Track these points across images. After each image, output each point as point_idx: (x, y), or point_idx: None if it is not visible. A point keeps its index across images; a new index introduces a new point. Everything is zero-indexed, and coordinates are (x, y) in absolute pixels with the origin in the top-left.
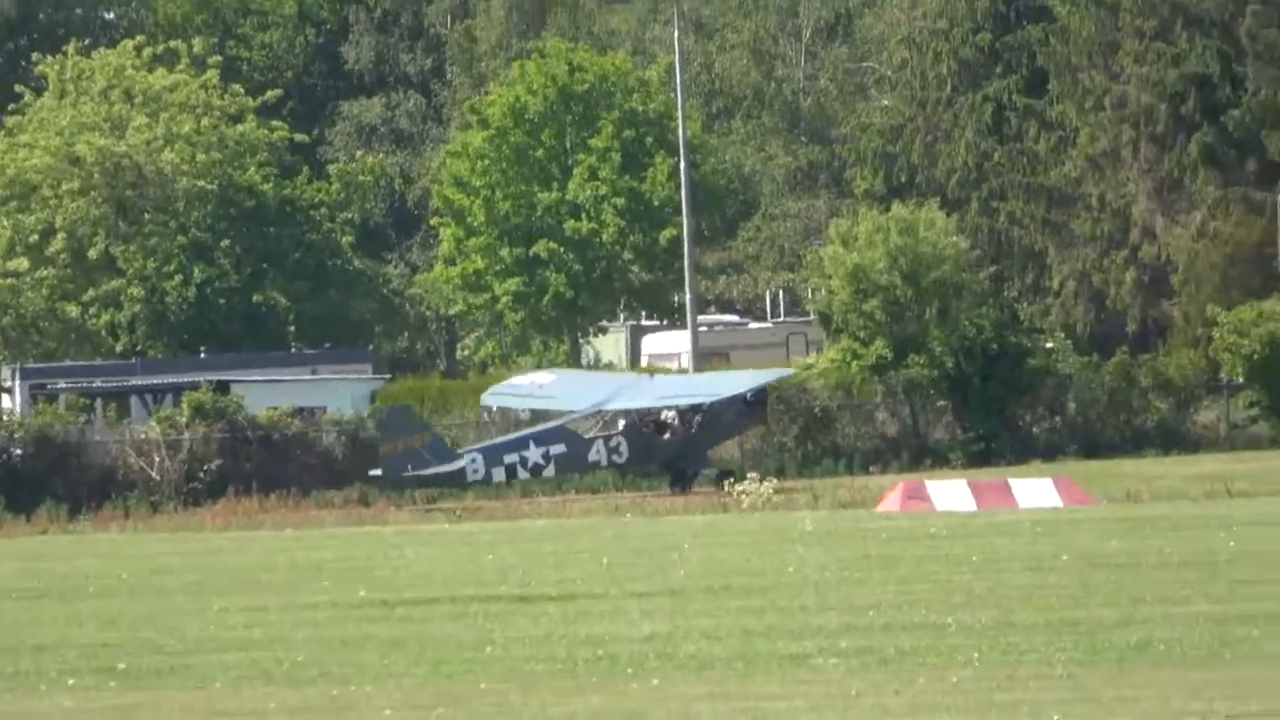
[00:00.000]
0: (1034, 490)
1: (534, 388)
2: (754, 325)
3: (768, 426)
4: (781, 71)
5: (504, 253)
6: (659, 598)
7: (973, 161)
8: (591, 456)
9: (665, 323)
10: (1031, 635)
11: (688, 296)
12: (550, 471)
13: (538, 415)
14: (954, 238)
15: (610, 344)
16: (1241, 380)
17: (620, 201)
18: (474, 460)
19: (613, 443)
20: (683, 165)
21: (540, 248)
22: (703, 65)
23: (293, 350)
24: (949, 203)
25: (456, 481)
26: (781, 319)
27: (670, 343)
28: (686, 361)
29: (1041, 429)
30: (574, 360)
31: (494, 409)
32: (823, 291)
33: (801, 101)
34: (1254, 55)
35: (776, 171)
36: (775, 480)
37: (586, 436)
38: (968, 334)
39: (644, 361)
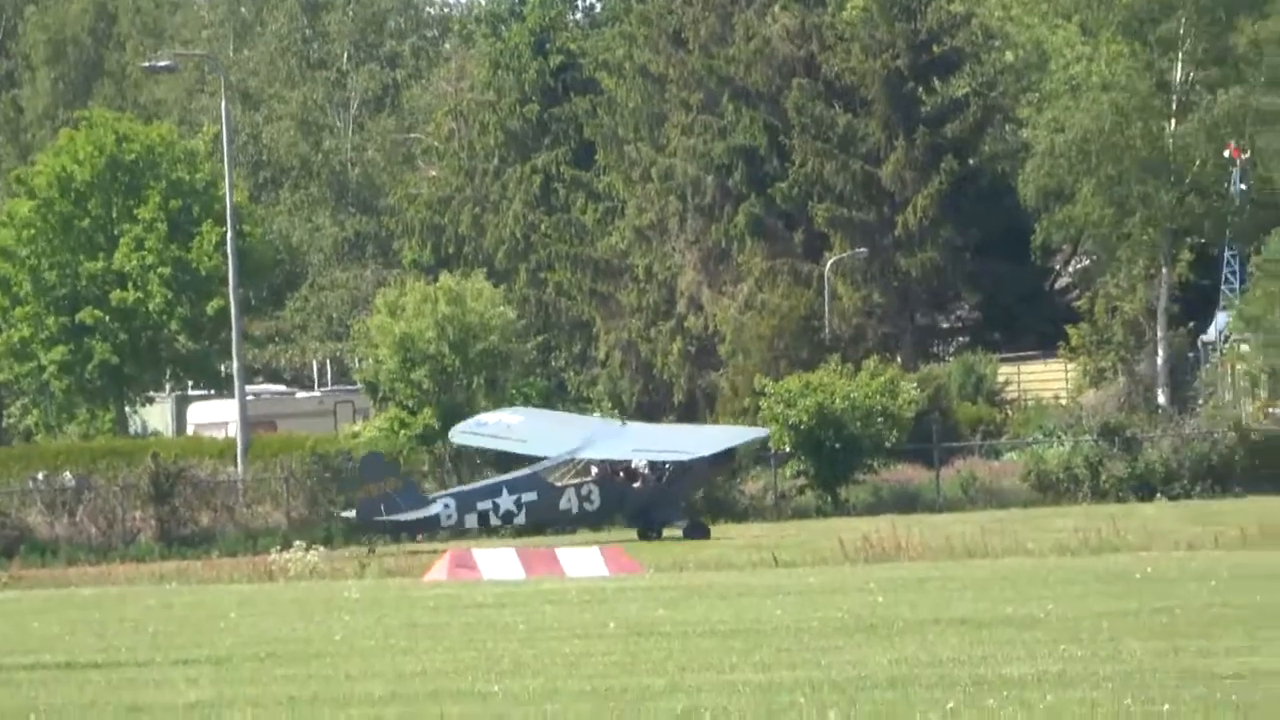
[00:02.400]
0: (581, 559)
1: (502, 428)
2: (301, 394)
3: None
4: (329, 142)
5: (50, 321)
6: (204, 665)
7: (520, 232)
8: (563, 505)
9: (213, 392)
10: (578, 703)
11: (235, 366)
12: (522, 519)
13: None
14: (502, 308)
15: (157, 413)
16: (788, 450)
17: (166, 271)
18: (447, 506)
19: (584, 490)
20: (230, 235)
21: (86, 316)
22: (250, 135)
23: None
24: (497, 273)
25: (430, 527)
26: (329, 388)
27: (217, 412)
28: (234, 431)
29: None
30: (121, 429)
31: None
32: (370, 361)
33: (349, 172)
34: (800, 128)
35: (324, 241)
36: (321, 549)
37: (558, 485)
38: (516, 403)
39: (190, 430)
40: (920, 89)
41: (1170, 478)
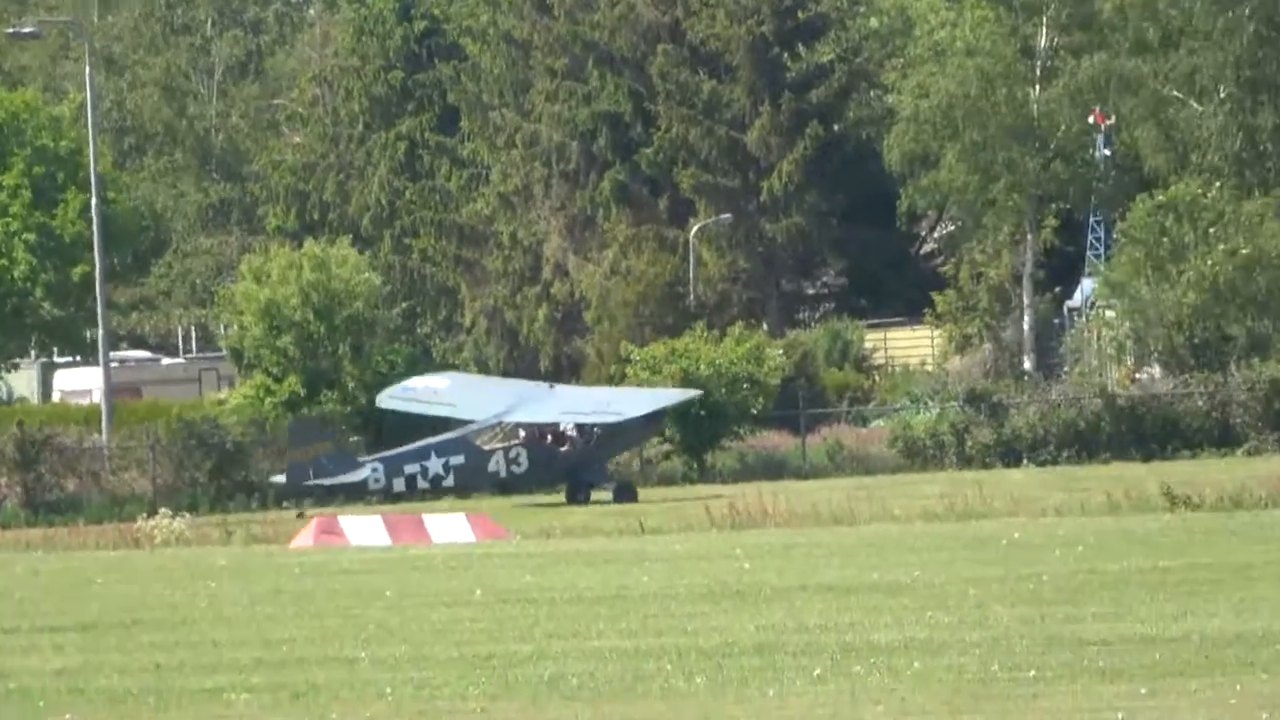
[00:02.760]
0: (448, 525)
1: (429, 393)
2: (166, 361)
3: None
4: (193, 109)
5: None
6: (71, 632)
7: (386, 199)
8: (491, 467)
9: (78, 359)
10: (445, 670)
11: (100, 332)
12: (450, 482)
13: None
14: (367, 274)
15: (23, 379)
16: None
17: (31, 238)
18: (375, 470)
19: (512, 454)
20: (94, 201)
21: None
22: (114, 101)
23: None
24: (362, 239)
25: (358, 491)
26: (194, 354)
27: (83, 379)
28: (99, 397)
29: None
30: None
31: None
32: (235, 327)
33: (214, 138)
34: (665, 94)
35: (189, 208)
36: (188, 516)
37: (486, 448)
38: (381, 370)
39: (56, 397)
40: (785, 55)
41: (1037, 444)
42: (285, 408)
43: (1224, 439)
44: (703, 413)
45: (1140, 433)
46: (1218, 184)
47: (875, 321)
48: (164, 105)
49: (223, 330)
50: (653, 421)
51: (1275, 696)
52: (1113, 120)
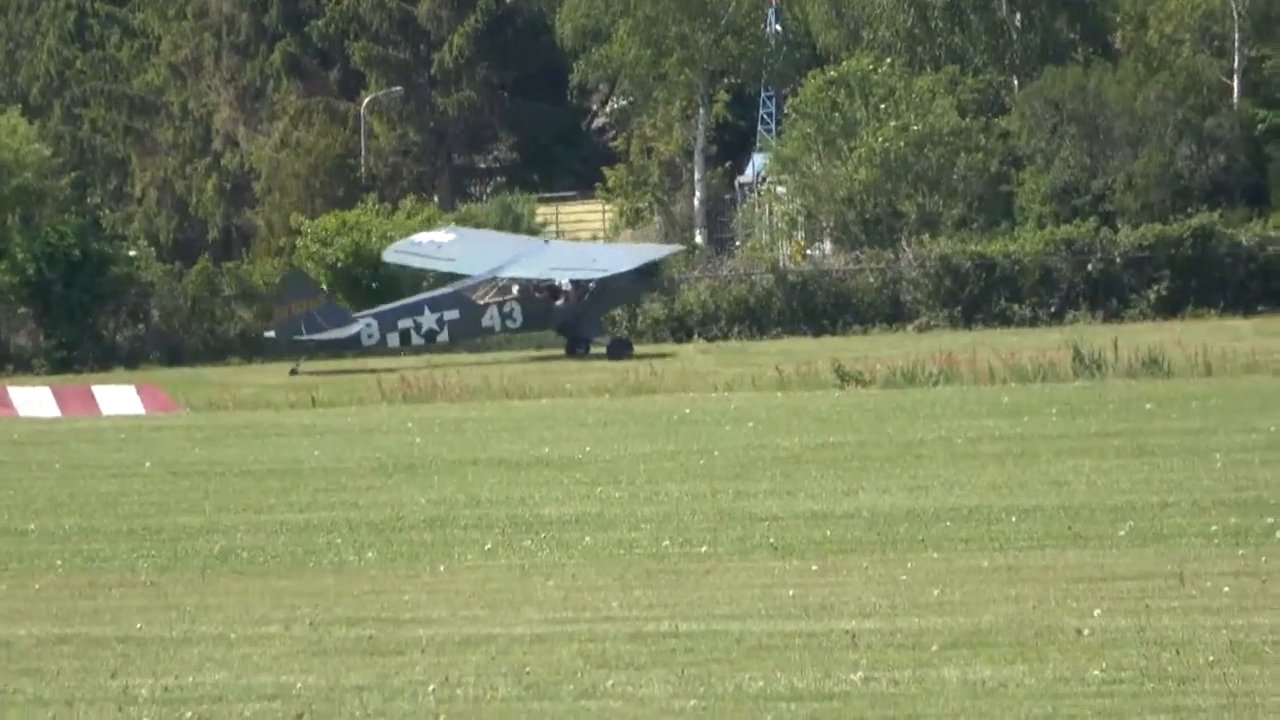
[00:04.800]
0: (118, 398)
1: (433, 247)
2: None
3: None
4: None
5: None
6: None
7: (55, 68)
8: (485, 322)
9: None
10: (115, 542)
11: None
12: (444, 337)
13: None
14: (36, 145)
15: None
16: (326, 288)
17: None
18: (369, 325)
19: (506, 308)
20: None
21: None
22: None
23: None
24: (31, 109)
25: (351, 346)
26: None
27: None
28: None
29: (125, 336)
30: None
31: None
32: None
33: None
34: None
35: None
36: None
37: (480, 303)
38: (50, 240)
39: None
40: None
41: (708, 319)
42: None
43: (895, 315)
44: (374, 285)
45: (812, 309)
46: (889, 60)
47: (546, 195)
48: None
49: None
50: (645, 276)
51: (945, 572)
52: None
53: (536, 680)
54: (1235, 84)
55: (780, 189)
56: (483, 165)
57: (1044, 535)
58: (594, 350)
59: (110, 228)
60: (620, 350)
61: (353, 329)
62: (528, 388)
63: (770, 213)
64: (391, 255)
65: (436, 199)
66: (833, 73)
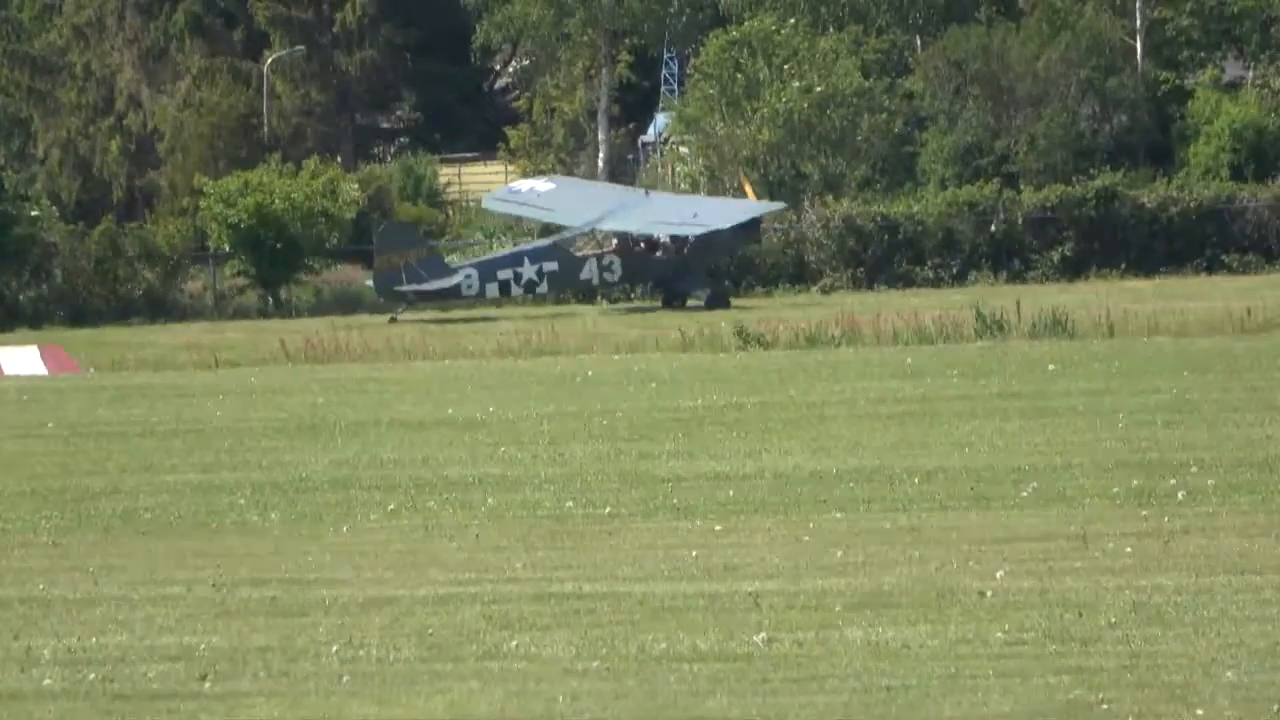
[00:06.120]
0: (20, 358)
1: (532, 195)
2: None
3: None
4: None
5: None
6: None
7: None
8: (584, 274)
9: None
10: (17, 504)
11: None
12: (544, 288)
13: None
14: None
15: None
16: (229, 250)
17: None
18: (469, 276)
19: (605, 261)
20: None
21: None
22: None
23: None
24: None
25: (452, 296)
26: None
27: None
28: None
29: (28, 297)
30: None
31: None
32: None
33: None
34: None
35: None
36: None
37: (579, 255)
38: None
39: None
40: None
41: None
42: None
43: (798, 276)
44: (278, 246)
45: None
46: (792, 20)
47: (449, 156)
48: None
49: None
50: (745, 230)
51: (848, 534)
52: None
53: (440, 641)
54: (1138, 45)
55: (683, 149)
56: (386, 126)
57: (946, 497)
58: (691, 303)
59: (13, 188)
60: (718, 303)
61: (453, 279)
62: (430, 348)
63: (674, 173)
64: (490, 203)
65: (339, 159)
66: (735, 33)
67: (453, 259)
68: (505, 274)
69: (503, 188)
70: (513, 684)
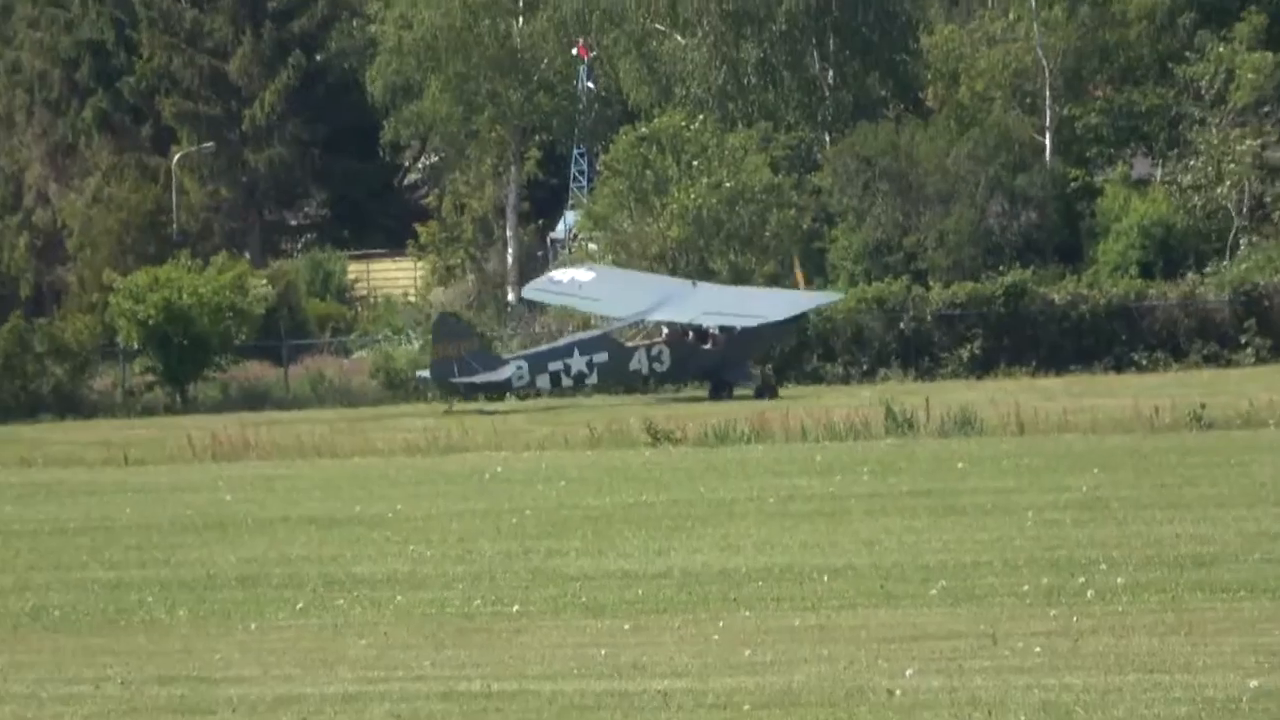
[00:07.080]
0: None
1: (574, 285)
2: None
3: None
4: None
5: None
6: None
7: None
8: (633, 365)
9: None
10: None
11: None
12: (594, 379)
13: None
14: None
15: None
16: (137, 346)
17: None
18: (520, 368)
19: (654, 351)
20: None
21: None
22: None
23: None
24: None
25: (503, 389)
26: None
27: None
28: None
29: None
30: None
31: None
32: None
33: None
34: (148, 22)
35: None
36: None
37: (629, 345)
38: None
39: None
40: None
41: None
42: None
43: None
44: (186, 342)
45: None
46: (701, 117)
47: (358, 253)
48: None
49: None
50: (794, 323)
51: (757, 632)
52: (596, 53)
53: None
54: (1047, 141)
55: (592, 245)
56: (294, 222)
57: (856, 594)
58: (738, 393)
59: None
60: (767, 394)
61: (504, 372)
62: (338, 445)
63: None
64: (530, 293)
65: (248, 255)
66: (644, 129)
67: (360, 355)
68: (556, 365)
69: (543, 278)
70: None
